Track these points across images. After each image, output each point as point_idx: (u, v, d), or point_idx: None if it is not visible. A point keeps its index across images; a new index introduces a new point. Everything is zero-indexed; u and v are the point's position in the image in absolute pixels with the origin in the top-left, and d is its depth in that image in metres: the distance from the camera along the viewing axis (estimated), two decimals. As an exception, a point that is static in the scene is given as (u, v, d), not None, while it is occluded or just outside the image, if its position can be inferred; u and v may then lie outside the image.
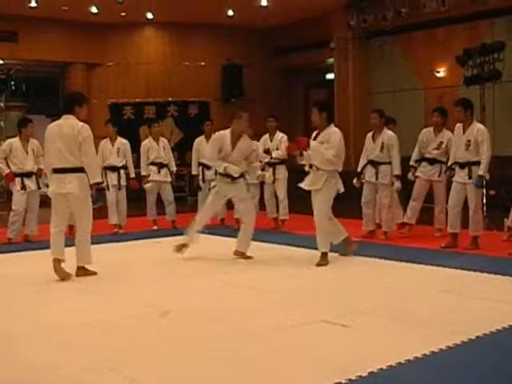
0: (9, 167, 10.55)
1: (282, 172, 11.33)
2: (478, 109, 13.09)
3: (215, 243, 9.66)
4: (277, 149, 11.22)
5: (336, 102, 17.16)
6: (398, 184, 9.83)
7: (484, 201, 12.32)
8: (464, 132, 8.98)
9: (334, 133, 8.18)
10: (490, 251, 8.81)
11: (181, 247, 8.85)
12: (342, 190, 8.29)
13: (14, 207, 10.52)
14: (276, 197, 11.40)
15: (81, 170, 7.58)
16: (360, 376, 4.25)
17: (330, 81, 18.01)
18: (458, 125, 9.11)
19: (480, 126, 9.01)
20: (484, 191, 12.35)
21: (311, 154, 8.09)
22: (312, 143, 8.11)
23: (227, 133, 8.77)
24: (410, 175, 10.35)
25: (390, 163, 9.89)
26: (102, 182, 7.54)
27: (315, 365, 4.58)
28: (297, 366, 4.53)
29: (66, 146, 7.53)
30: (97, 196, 7.85)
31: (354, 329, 5.39)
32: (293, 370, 4.46)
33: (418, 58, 15.53)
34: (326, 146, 8.10)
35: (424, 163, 10.23)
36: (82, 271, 7.76)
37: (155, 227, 11.65)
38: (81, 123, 7.65)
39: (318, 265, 8.12)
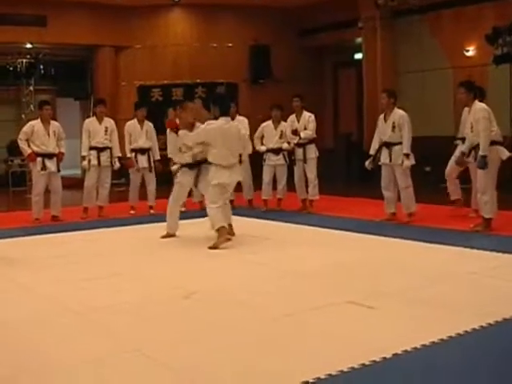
0: (30, 148, 10.69)
1: (313, 151, 11.31)
2: (508, 88, 13.00)
3: (243, 224, 9.65)
4: (305, 129, 11.19)
5: (364, 82, 17.10)
6: (407, 162, 9.57)
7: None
8: (469, 114, 8.95)
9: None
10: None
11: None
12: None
13: (34, 188, 10.71)
14: (305, 177, 11.37)
15: None
16: (384, 358, 4.25)
17: (359, 60, 17.88)
18: (466, 109, 9.07)
19: (479, 105, 8.83)
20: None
21: None
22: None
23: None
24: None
25: (402, 143, 9.64)
26: None
27: (340, 346, 4.58)
28: (321, 348, 4.54)
29: None
30: None
31: (380, 310, 5.38)
32: (317, 351, 4.47)
33: (447, 37, 15.31)
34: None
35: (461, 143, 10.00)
36: None
37: (183, 209, 11.69)
38: None
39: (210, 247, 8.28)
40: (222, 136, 8.33)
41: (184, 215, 10.80)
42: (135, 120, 11.81)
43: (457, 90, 9.12)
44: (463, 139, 9.76)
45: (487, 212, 8.81)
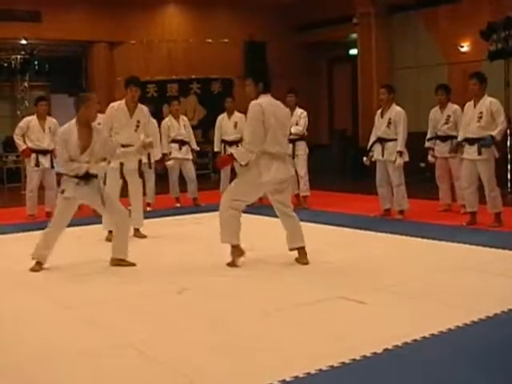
0: (26, 144, 10.69)
1: (303, 148, 11.27)
2: (502, 84, 12.98)
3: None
4: (296, 124, 11.12)
5: (359, 78, 17.10)
6: (399, 160, 9.59)
7: (508, 176, 12.26)
8: (475, 106, 8.89)
9: None
10: (512, 227, 8.74)
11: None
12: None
13: (28, 184, 10.73)
14: (296, 173, 11.33)
15: None
16: (375, 353, 4.26)
17: (354, 56, 17.89)
18: (469, 102, 9.04)
19: (492, 98, 8.88)
20: (509, 167, 12.31)
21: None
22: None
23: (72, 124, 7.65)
24: (429, 157, 10.38)
25: (396, 140, 9.67)
26: None
27: (330, 341, 4.60)
28: (312, 343, 4.55)
29: None
30: None
31: (371, 305, 5.40)
32: (308, 346, 4.49)
33: (442, 33, 15.34)
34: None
35: (438, 141, 10.25)
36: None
37: (178, 204, 11.72)
38: None
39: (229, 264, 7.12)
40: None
41: (180, 211, 10.88)
42: None
43: (469, 81, 9.05)
44: (439, 137, 9.95)
45: (498, 206, 8.89)
